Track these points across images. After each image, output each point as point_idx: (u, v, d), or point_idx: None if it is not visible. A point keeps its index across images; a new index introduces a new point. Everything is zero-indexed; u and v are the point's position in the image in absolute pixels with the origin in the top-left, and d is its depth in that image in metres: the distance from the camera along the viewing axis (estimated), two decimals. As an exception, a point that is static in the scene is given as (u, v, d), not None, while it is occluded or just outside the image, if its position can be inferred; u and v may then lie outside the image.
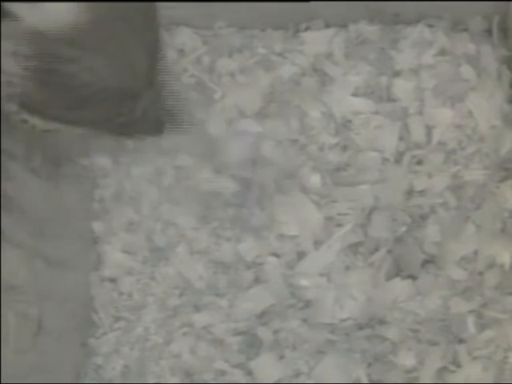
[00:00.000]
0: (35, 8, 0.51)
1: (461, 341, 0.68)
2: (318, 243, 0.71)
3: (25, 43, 0.52)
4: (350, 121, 0.74)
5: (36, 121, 0.57)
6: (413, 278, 0.70)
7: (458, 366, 0.67)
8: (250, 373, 0.69)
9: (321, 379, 0.68)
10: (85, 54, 0.53)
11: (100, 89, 0.55)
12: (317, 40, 0.76)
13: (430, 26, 0.76)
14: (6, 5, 0.51)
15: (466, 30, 0.76)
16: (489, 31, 0.76)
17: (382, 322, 0.69)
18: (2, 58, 0.53)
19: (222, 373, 0.69)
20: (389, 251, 0.70)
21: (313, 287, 0.70)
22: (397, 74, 0.75)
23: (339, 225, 0.71)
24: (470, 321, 0.68)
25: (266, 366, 0.68)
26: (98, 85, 0.54)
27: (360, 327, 0.69)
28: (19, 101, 0.55)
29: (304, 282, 0.70)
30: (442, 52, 0.75)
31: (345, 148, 0.74)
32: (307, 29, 0.77)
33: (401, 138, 0.73)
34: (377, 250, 0.70)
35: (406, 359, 0.68)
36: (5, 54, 0.53)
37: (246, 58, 0.76)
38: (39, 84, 0.54)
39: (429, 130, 0.73)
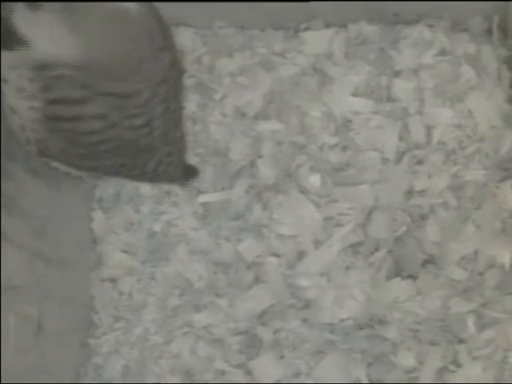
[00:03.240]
0: (50, 38, 0.50)
1: (461, 341, 0.68)
2: (317, 243, 0.71)
3: (34, 76, 0.51)
4: (350, 121, 0.74)
5: (56, 165, 0.58)
6: (413, 278, 0.70)
7: (458, 365, 0.67)
8: (249, 373, 0.69)
9: (321, 379, 0.68)
10: (111, 110, 0.53)
11: (118, 143, 0.55)
12: (317, 40, 0.76)
13: (430, 26, 0.76)
14: (20, 30, 0.50)
15: (465, 30, 0.76)
16: (489, 31, 0.75)
17: (381, 321, 0.69)
18: (13, 98, 0.53)
19: (222, 373, 0.69)
20: (389, 251, 0.70)
21: (313, 287, 0.70)
22: (397, 74, 0.75)
23: (339, 225, 0.71)
24: (470, 321, 0.68)
25: (266, 366, 0.68)
26: (116, 139, 0.55)
27: (360, 327, 0.69)
28: (37, 147, 0.55)
29: (304, 282, 0.70)
30: (442, 52, 0.75)
31: (345, 148, 0.74)
32: (307, 29, 0.77)
33: (401, 138, 0.73)
34: (377, 250, 0.70)
35: (406, 359, 0.68)
36: (11, 89, 0.52)
37: (246, 58, 0.76)
38: (52, 132, 0.54)
39: (429, 130, 0.73)
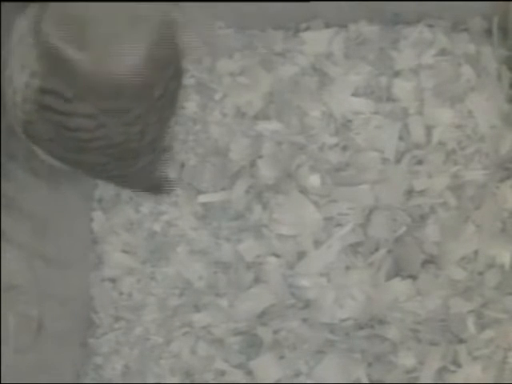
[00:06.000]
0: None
1: (461, 341, 0.68)
2: (317, 243, 0.71)
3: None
4: (350, 121, 0.74)
5: (40, 152, 0.58)
6: (413, 278, 0.70)
7: (458, 365, 0.67)
8: (250, 373, 0.69)
9: (321, 379, 0.68)
10: (103, 115, 0.52)
11: (107, 143, 0.55)
12: (317, 40, 0.76)
13: (430, 26, 0.75)
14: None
15: (465, 30, 0.76)
16: (489, 31, 0.75)
17: (381, 321, 0.69)
18: (14, 70, 0.52)
19: (222, 373, 0.69)
20: (389, 251, 0.70)
21: (313, 287, 0.70)
22: (397, 74, 0.75)
23: (339, 225, 0.71)
24: (470, 321, 0.68)
25: (266, 366, 0.68)
26: (105, 138, 0.54)
27: (360, 327, 0.69)
28: (24, 128, 0.55)
29: (304, 282, 0.70)
30: (442, 52, 0.75)
31: (345, 148, 0.74)
32: (307, 29, 0.77)
33: (401, 138, 0.73)
34: (377, 250, 0.70)
35: (406, 359, 0.68)
36: (15, 60, 0.52)
37: (246, 58, 0.76)
38: (41, 119, 0.53)
39: (429, 130, 0.73)
